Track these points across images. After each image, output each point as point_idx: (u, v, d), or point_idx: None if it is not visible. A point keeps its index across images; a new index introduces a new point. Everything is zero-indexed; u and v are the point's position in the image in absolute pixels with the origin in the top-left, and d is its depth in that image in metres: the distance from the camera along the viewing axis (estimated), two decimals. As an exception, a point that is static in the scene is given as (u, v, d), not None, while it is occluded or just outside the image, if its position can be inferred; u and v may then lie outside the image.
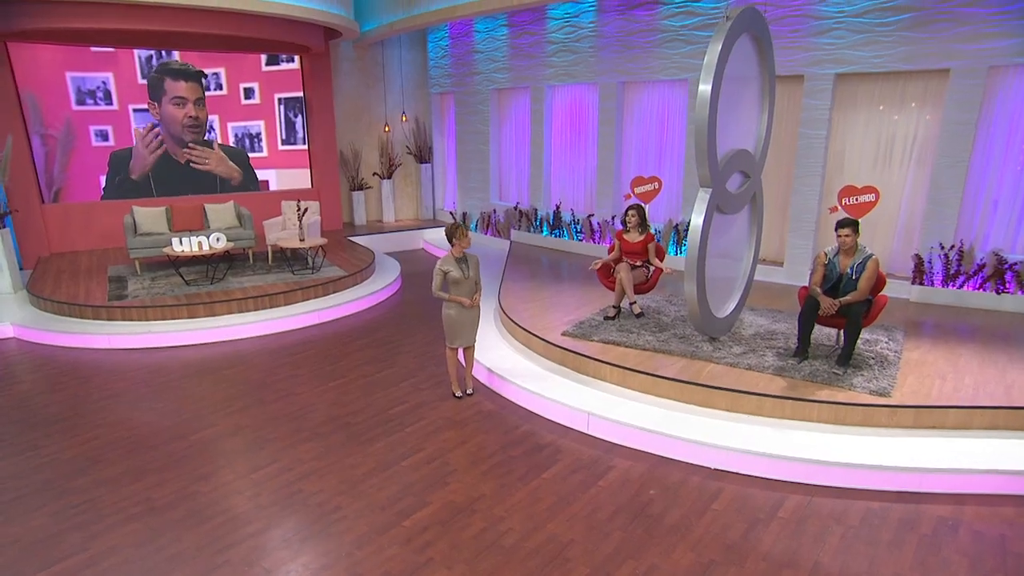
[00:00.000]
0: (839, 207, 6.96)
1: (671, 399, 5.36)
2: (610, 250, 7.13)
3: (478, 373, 6.28)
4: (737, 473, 4.56)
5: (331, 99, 12.52)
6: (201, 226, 10.03)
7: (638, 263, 6.89)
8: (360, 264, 9.81)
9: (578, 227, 10.95)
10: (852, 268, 5.48)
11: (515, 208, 12.05)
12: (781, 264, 8.74)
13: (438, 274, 5.39)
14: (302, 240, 9.21)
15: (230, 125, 11.96)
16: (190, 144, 11.58)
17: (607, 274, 7.06)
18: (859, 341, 5.72)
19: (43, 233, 10.51)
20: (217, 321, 7.73)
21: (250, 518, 4.11)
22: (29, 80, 10.11)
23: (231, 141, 12.02)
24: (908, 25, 7.15)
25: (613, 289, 6.88)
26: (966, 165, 7.16)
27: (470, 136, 12.90)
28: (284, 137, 12.49)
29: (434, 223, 13.76)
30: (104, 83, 10.73)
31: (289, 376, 6.45)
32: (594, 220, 10.69)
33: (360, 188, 13.38)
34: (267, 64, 12.02)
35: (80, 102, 10.63)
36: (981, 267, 7.26)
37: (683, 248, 9.40)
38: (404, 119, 13.68)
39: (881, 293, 5.63)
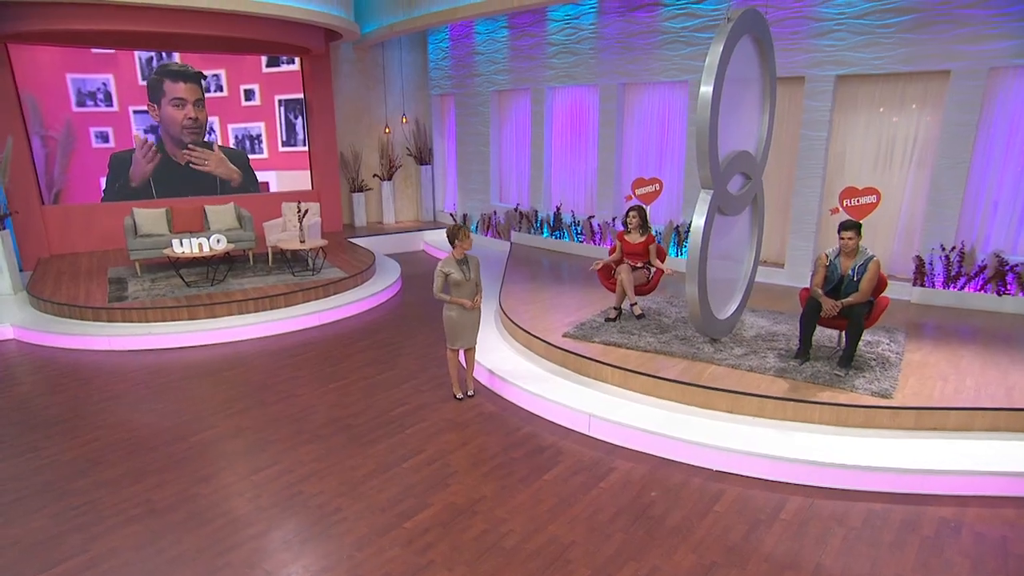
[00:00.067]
0: (840, 208, 6.96)
1: (672, 401, 5.35)
2: (611, 251, 7.12)
3: (479, 375, 6.27)
4: (738, 475, 4.55)
5: (331, 101, 12.52)
6: (201, 228, 10.02)
7: (639, 264, 6.89)
8: (360, 266, 9.81)
9: (578, 228, 10.94)
10: (853, 270, 5.47)
11: (515, 210, 12.05)
12: (782, 266, 8.74)
13: (439, 276, 5.39)
14: (302, 242, 9.20)
15: (230, 127, 11.96)
16: (190, 145, 11.58)
17: (608, 275, 7.05)
18: (860, 343, 5.72)
19: (43, 234, 10.51)
20: (217, 323, 7.72)
21: (251, 520, 4.11)
22: (29, 81, 10.11)
23: (231, 143, 12.02)
24: (908, 27, 7.16)
25: (614, 291, 6.88)
26: (967, 166, 7.16)
27: (470, 138, 12.90)
28: (284, 139, 12.50)
29: (434, 225, 13.76)
30: (104, 85, 10.74)
31: (290, 378, 6.45)
32: (594, 222, 10.69)
33: (360, 190, 13.38)
34: (267, 66, 12.02)
35: (80, 104, 10.63)
36: (982, 269, 7.26)
37: (684, 250, 9.40)
38: (404, 121, 13.68)
39: (882, 295, 5.62)
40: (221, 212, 10.22)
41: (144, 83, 11.02)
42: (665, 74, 9.28)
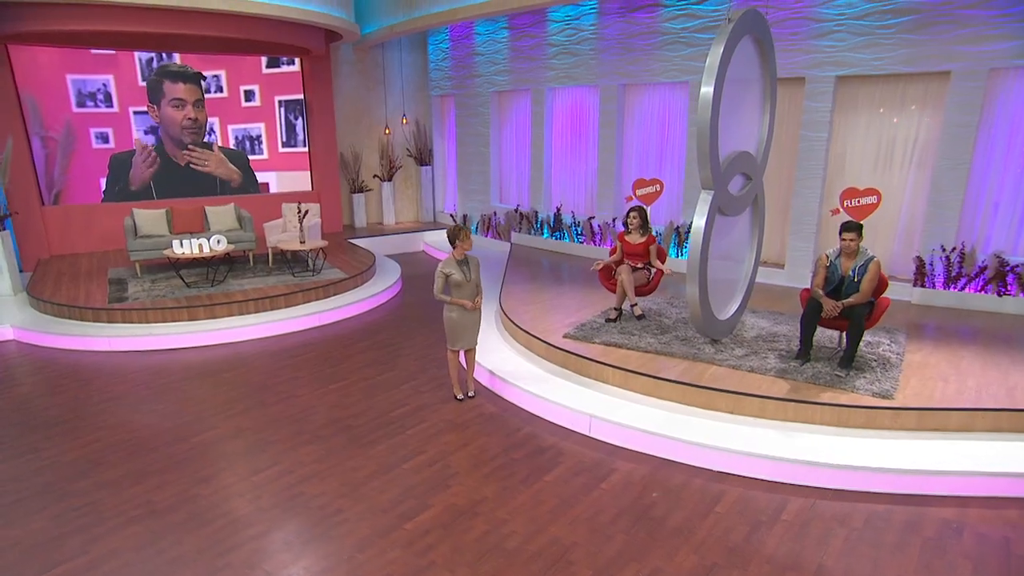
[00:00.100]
0: (841, 209, 6.96)
1: (673, 401, 5.35)
2: (612, 252, 7.12)
3: (479, 376, 6.27)
4: (740, 476, 4.54)
5: (331, 101, 12.52)
6: (201, 228, 10.02)
7: (639, 265, 6.88)
8: (361, 266, 9.81)
9: (579, 229, 10.94)
10: (854, 270, 5.47)
11: (516, 210, 12.05)
12: (782, 266, 8.74)
13: (440, 277, 5.38)
14: (303, 242, 9.20)
15: (230, 127, 11.96)
16: (190, 146, 11.58)
17: (608, 276, 7.05)
18: (861, 343, 5.71)
19: (43, 235, 10.50)
20: (218, 323, 7.71)
21: (251, 521, 4.10)
22: (29, 82, 10.11)
23: (231, 143, 12.02)
24: (909, 27, 7.16)
25: (614, 291, 6.87)
26: (967, 167, 7.16)
27: (470, 138, 12.90)
28: (284, 139, 12.49)
29: (434, 225, 13.76)
30: (104, 85, 10.73)
31: (290, 378, 6.44)
32: (595, 222, 10.69)
33: (360, 190, 13.38)
34: (267, 67, 12.02)
35: (80, 104, 10.63)
36: (982, 269, 7.26)
37: (684, 250, 9.40)
38: (404, 121, 13.68)
39: (883, 295, 5.62)
40: (221, 213, 10.22)
41: (144, 84, 11.02)
42: (665, 75, 9.29)
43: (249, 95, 11.98)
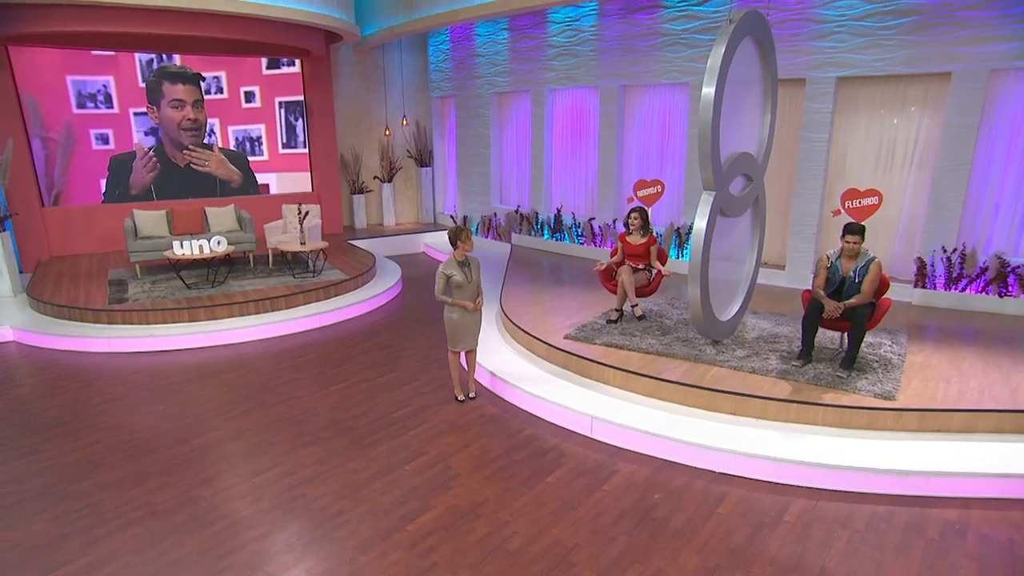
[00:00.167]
0: (842, 210, 6.96)
1: (675, 403, 5.34)
2: (613, 253, 7.12)
3: (480, 377, 6.26)
4: (742, 477, 4.53)
5: (332, 103, 12.52)
6: (202, 229, 10.01)
7: (640, 266, 6.88)
8: (361, 268, 9.80)
9: (579, 230, 10.94)
10: (855, 271, 5.47)
11: (516, 211, 12.05)
12: (783, 267, 8.73)
13: (441, 278, 5.38)
14: (303, 243, 9.19)
15: (231, 129, 11.95)
16: (189, 147, 11.57)
17: (609, 277, 7.05)
18: (863, 344, 5.70)
19: (43, 236, 10.49)
20: (218, 325, 7.70)
21: (252, 522, 4.09)
22: (29, 83, 10.10)
23: (232, 145, 12.01)
24: (909, 29, 7.16)
25: (615, 292, 6.87)
26: (968, 168, 7.16)
27: (471, 140, 12.90)
28: (285, 141, 12.49)
29: (435, 227, 13.76)
30: (105, 86, 10.73)
31: (291, 380, 6.43)
32: (595, 223, 10.68)
33: (361, 192, 13.38)
34: (268, 68, 12.02)
35: (80, 105, 10.62)
36: (983, 270, 7.25)
37: (685, 252, 9.39)
38: (405, 123, 13.68)
39: (884, 296, 5.62)
40: (221, 214, 10.21)
41: (144, 85, 11.01)
42: (666, 76, 9.29)
43: (249, 96, 11.98)
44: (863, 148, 7.97)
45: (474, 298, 5.50)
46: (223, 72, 11.64)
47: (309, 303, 8.51)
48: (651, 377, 5.48)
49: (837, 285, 5.55)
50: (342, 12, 10.67)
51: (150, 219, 9.67)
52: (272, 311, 8.16)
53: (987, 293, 7.26)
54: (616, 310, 6.83)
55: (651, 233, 6.93)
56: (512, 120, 12.24)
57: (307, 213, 9.64)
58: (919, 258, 7.57)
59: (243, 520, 4.11)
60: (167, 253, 8.55)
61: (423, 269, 11.34)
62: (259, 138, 12.24)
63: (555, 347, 6.25)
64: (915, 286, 7.62)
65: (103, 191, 11.06)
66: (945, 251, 7.41)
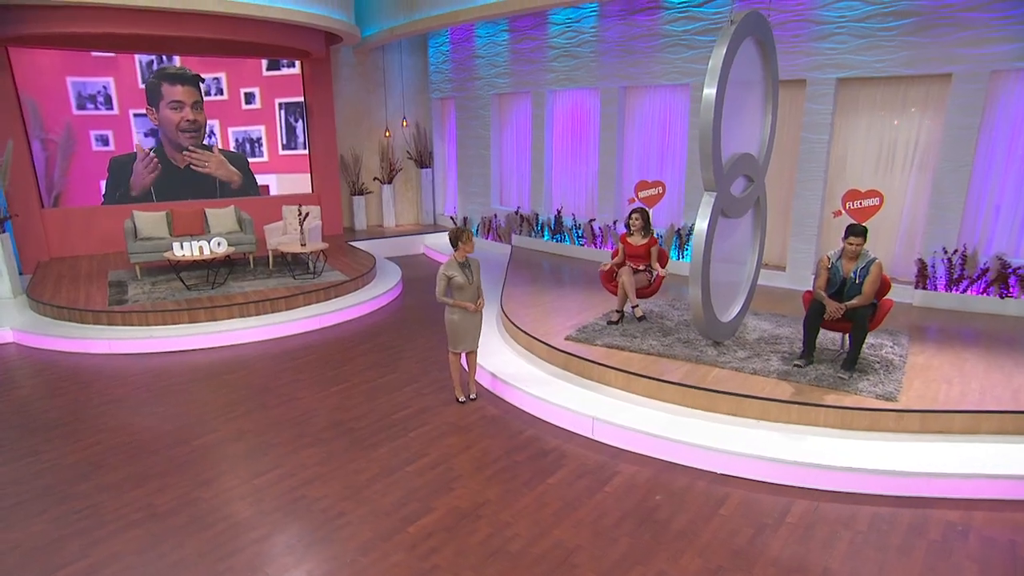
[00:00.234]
0: (843, 211, 6.95)
1: (676, 404, 5.33)
2: (614, 254, 7.12)
3: (481, 378, 6.25)
4: (743, 478, 4.52)
5: (332, 104, 12.52)
6: (202, 231, 10.00)
7: (641, 267, 6.87)
8: (361, 269, 9.79)
9: (579, 232, 10.93)
10: (855, 272, 5.46)
11: (516, 213, 12.04)
12: (783, 269, 8.73)
13: (442, 279, 5.37)
14: (303, 245, 9.18)
15: (231, 130, 11.94)
16: (189, 148, 11.56)
17: (610, 278, 7.04)
18: (864, 345, 5.69)
19: (43, 238, 10.48)
20: (218, 326, 7.69)
21: (253, 524, 4.08)
22: (29, 85, 10.10)
23: (232, 146, 12.00)
24: (910, 30, 7.16)
25: (615, 294, 6.86)
26: (969, 169, 7.16)
27: (471, 141, 12.90)
28: (285, 142, 12.49)
29: (435, 228, 13.76)
30: (105, 88, 10.72)
31: (291, 381, 6.42)
32: (595, 225, 10.68)
33: (361, 193, 13.37)
34: (268, 69, 12.02)
35: (80, 107, 10.61)
36: (984, 271, 7.25)
37: (686, 253, 9.39)
38: (405, 124, 13.68)
39: (886, 297, 5.61)
40: (221, 215, 10.20)
41: (143, 86, 11.02)
42: (666, 77, 9.29)
43: (249, 97, 11.98)
44: (863, 149, 7.97)
45: (475, 299, 5.49)
46: (223, 73, 11.63)
47: (309, 304, 8.50)
48: (652, 378, 5.47)
49: (838, 286, 5.54)
50: (342, 13, 10.68)
51: (150, 220, 9.66)
52: (272, 312, 8.16)
53: (988, 294, 7.26)
54: (617, 311, 6.82)
55: (652, 234, 6.92)
56: (512, 121, 12.23)
57: (307, 214, 9.63)
58: (920, 259, 7.57)
59: (244, 522, 4.10)
60: (167, 254, 8.54)
61: (423, 270, 11.33)
62: (259, 139, 12.24)
63: (556, 348, 6.24)
64: (916, 287, 7.61)
65: (103, 192, 11.05)
66: (946, 252, 7.40)
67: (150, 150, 11.21)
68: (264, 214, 11.52)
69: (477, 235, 12.71)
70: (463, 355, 5.82)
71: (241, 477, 4.64)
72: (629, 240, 6.91)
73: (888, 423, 4.81)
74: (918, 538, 3.85)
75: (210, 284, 8.74)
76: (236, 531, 4.00)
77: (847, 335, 5.69)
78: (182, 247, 8.46)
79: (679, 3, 8.93)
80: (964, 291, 7.36)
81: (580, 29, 10.23)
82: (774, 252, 8.91)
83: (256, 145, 12.23)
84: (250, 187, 12.24)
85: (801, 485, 4.40)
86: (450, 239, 5.42)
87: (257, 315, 8.04)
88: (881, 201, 7.12)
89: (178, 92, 11.28)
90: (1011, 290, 7.11)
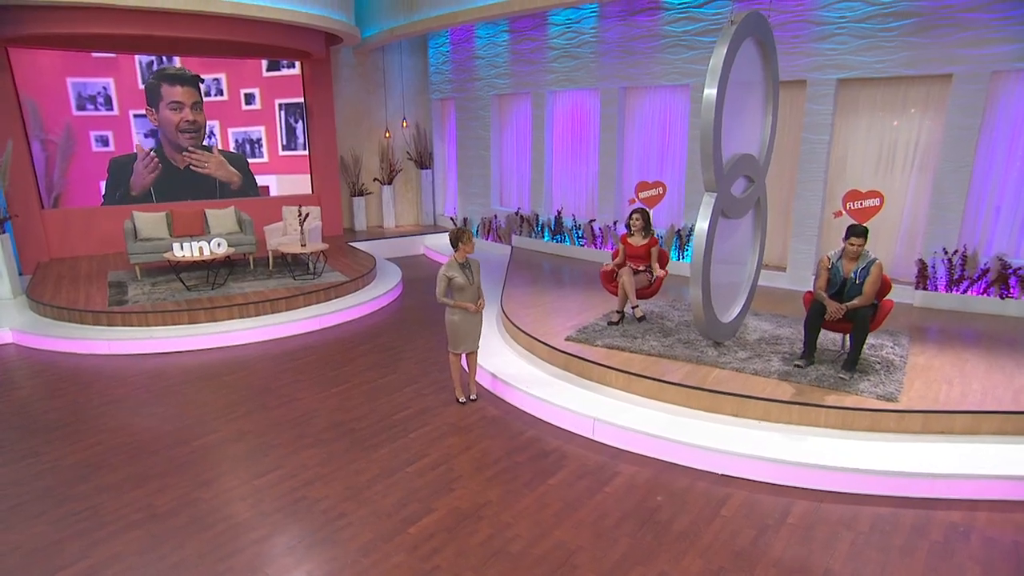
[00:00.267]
0: (844, 212, 6.95)
1: (677, 404, 5.33)
2: (614, 255, 7.11)
3: (482, 379, 6.24)
4: (744, 479, 4.52)
5: (332, 105, 12.52)
6: (202, 231, 9.99)
7: (641, 267, 6.87)
8: (361, 270, 9.79)
9: (579, 232, 10.93)
10: (856, 273, 5.45)
11: (516, 213, 12.04)
12: (784, 269, 8.73)
13: (442, 280, 5.36)
14: (303, 245, 9.17)
15: (231, 131, 11.94)
16: (188, 149, 11.56)
17: (610, 279, 7.04)
18: (864, 346, 5.69)
19: (43, 238, 10.47)
20: (218, 327, 7.68)
21: (253, 525, 4.07)
22: (29, 85, 10.09)
23: (231, 147, 11.99)
24: (910, 30, 7.16)
25: (616, 294, 6.86)
26: (969, 170, 7.16)
27: (471, 142, 12.89)
28: (285, 143, 12.48)
29: (435, 229, 13.75)
30: (105, 88, 10.71)
31: (291, 382, 6.41)
32: (596, 225, 10.67)
33: (361, 194, 13.37)
34: (268, 70, 12.02)
35: (80, 107, 10.60)
36: (985, 272, 7.25)
37: (686, 254, 9.38)
38: (405, 125, 13.68)
39: (886, 298, 5.61)
40: (221, 216, 10.20)
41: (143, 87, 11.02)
42: (666, 78, 9.29)
43: (249, 98, 11.97)
44: (864, 150, 7.97)
45: (475, 300, 5.49)
46: (223, 74, 11.63)
47: (309, 305, 8.50)
48: (653, 379, 5.46)
49: (838, 287, 5.54)
50: (342, 14, 10.68)
51: (150, 221, 9.65)
52: (272, 313, 8.15)
53: (988, 295, 7.26)
54: (617, 312, 6.82)
55: (652, 234, 6.92)
56: (512, 122, 12.23)
57: (307, 215, 9.63)
58: (920, 260, 7.57)
59: (244, 522, 4.09)
60: (167, 255, 8.53)
61: (423, 271, 11.32)
62: (259, 140, 12.23)
63: (556, 349, 6.23)
64: (916, 288, 7.61)
65: (103, 193, 11.04)
66: (946, 253, 7.40)
67: (150, 150, 11.21)
68: (264, 215, 11.51)
69: (477, 236, 12.70)
70: (463, 356, 5.81)
71: (241, 478, 4.63)
72: (630, 240, 6.91)
73: (889, 424, 4.81)
74: (920, 539, 3.85)
75: (210, 285, 8.73)
76: (236, 532, 4.00)
77: (848, 336, 5.69)
78: (182, 248, 8.46)
79: (679, 4, 8.93)
80: (964, 292, 7.36)
81: (580, 30, 10.23)
82: (774, 253, 8.91)
83: (256, 146, 12.22)
84: (250, 188, 12.24)
85: (802, 486, 4.39)
86: (450, 240, 5.41)
87: (257, 316, 8.03)
88: (882, 202, 7.12)
89: (177, 93, 11.28)
90: (1011, 291, 7.11)
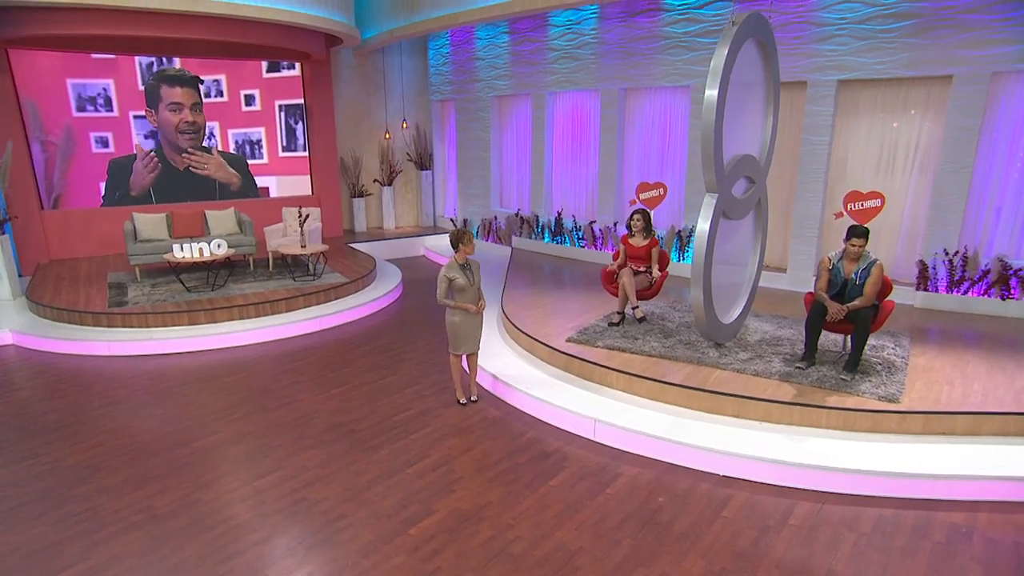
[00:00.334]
0: (844, 213, 6.95)
1: (678, 405, 5.32)
2: (615, 256, 7.11)
3: (482, 380, 6.23)
4: (746, 480, 4.51)
5: (332, 106, 12.51)
6: (202, 232, 9.99)
7: (642, 268, 6.87)
8: (361, 271, 9.78)
9: (580, 234, 10.93)
10: (856, 274, 5.45)
11: (516, 215, 12.03)
12: (784, 270, 8.72)
13: (443, 281, 5.35)
14: (303, 247, 9.17)
15: (231, 132, 11.93)
16: (188, 150, 11.55)
17: (611, 280, 7.03)
18: (865, 347, 5.68)
19: (42, 240, 10.46)
20: (218, 328, 7.67)
21: (253, 526, 4.06)
22: (29, 87, 10.08)
23: (231, 148, 11.99)
24: (911, 31, 7.16)
25: (616, 295, 6.86)
26: (970, 171, 7.15)
27: (471, 143, 12.89)
28: (285, 144, 12.48)
29: (435, 230, 13.75)
30: (105, 90, 10.71)
31: (291, 383, 6.40)
32: (596, 227, 10.67)
33: (361, 195, 13.36)
34: (268, 71, 12.01)
35: (80, 109, 10.60)
36: (985, 273, 7.24)
37: (687, 254, 9.38)
38: (404, 126, 13.68)
39: (887, 299, 5.60)
40: (221, 217, 10.19)
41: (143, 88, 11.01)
42: (667, 79, 9.29)
43: (249, 99, 11.97)
44: (864, 151, 7.96)
45: (476, 301, 5.48)
46: (223, 75, 11.62)
47: (309, 306, 8.49)
48: (654, 380, 5.46)
49: (839, 288, 5.54)
50: (342, 15, 10.68)
51: (150, 222, 9.65)
52: (272, 314, 8.14)
53: (989, 296, 7.25)
54: (618, 313, 6.81)
55: (653, 235, 6.92)
56: (512, 123, 12.23)
57: (307, 216, 9.62)
58: (921, 261, 7.56)
59: (244, 524, 4.08)
60: (167, 256, 8.53)
61: (423, 272, 11.32)
62: (259, 141, 12.23)
63: (557, 350, 6.23)
64: (917, 289, 7.60)
65: (102, 194, 11.03)
66: (947, 254, 7.40)
67: (150, 151, 11.20)
68: (264, 216, 11.50)
69: (477, 237, 12.70)
70: (464, 357, 5.80)
71: (241, 479, 4.62)
72: (630, 241, 6.91)
73: (890, 425, 4.80)
74: (922, 540, 3.84)
75: (210, 286, 8.72)
76: (236, 533, 3.99)
77: (849, 337, 5.68)
78: (182, 249, 8.45)
79: (680, 5, 8.93)
80: (965, 293, 7.36)
81: (580, 31, 10.23)
82: (775, 254, 8.90)
83: (256, 147, 12.22)
84: (250, 189, 12.23)
85: (804, 487, 4.39)
86: (451, 241, 5.40)
87: (257, 317, 8.02)
88: (882, 203, 7.12)
89: (177, 94, 11.27)
90: (1012, 292, 7.10)
